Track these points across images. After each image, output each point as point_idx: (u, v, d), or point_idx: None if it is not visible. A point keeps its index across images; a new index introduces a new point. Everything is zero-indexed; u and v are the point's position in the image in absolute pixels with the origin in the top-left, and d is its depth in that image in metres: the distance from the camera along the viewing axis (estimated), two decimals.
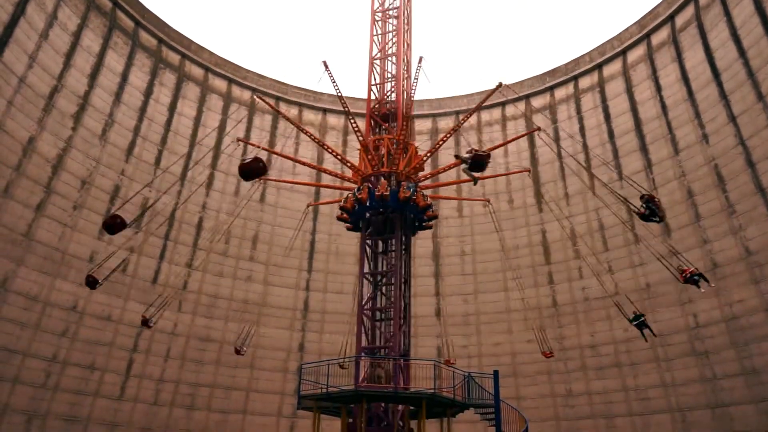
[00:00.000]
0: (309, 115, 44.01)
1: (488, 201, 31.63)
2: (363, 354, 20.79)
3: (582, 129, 39.15)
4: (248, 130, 41.38)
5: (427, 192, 27.67)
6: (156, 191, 35.98)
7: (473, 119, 43.40)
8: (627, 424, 31.57)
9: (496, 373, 19.65)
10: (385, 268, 22.62)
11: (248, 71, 43.00)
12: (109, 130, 34.24)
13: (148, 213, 34.71)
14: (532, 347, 35.91)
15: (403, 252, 22.82)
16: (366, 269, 22.70)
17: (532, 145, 40.77)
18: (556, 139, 39.73)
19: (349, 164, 24.46)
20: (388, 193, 21.62)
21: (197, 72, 40.46)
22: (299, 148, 42.57)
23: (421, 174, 25.07)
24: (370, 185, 22.40)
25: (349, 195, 22.92)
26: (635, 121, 36.37)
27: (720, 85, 31.63)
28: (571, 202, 37.80)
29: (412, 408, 19.72)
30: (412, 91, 26.31)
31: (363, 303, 22.06)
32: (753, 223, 28.83)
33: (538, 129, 27.35)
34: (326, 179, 40.36)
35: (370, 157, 23.49)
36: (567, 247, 37.04)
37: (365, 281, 22.65)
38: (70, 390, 29.72)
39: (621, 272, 34.23)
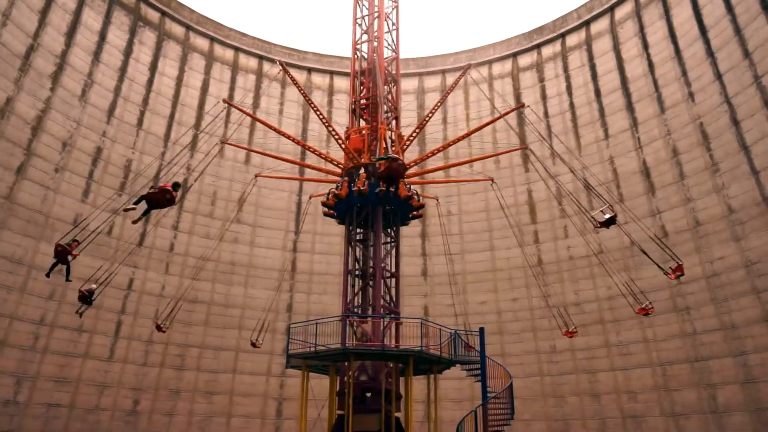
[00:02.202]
0: (293, 75, 43.21)
1: (492, 180, 30.31)
2: (350, 314, 21.02)
3: (569, 87, 38.96)
4: (231, 89, 40.72)
5: (417, 178, 27.41)
6: (139, 153, 35.60)
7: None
8: (609, 379, 32.40)
9: (481, 330, 19.95)
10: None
11: (230, 29, 42.05)
12: (88, 90, 33.52)
13: (132, 176, 34.46)
14: (518, 305, 36.56)
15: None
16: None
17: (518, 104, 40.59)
18: (543, 97, 39.63)
19: (330, 159, 24.06)
20: (365, 187, 21.15)
21: (178, 30, 39.49)
22: (284, 108, 42.07)
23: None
24: (350, 179, 22.05)
25: (332, 190, 22.66)
26: (622, 80, 36.23)
27: (707, 42, 31.46)
28: (557, 161, 37.81)
29: (399, 365, 20.05)
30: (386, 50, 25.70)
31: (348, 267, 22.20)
32: (736, 181, 29.11)
33: (523, 106, 26.82)
34: (312, 141, 40.21)
35: (345, 149, 23.01)
36: (552, 207, 37.26)
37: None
38: (59, 352, 29.84)
39: (605, 231, 34.45)
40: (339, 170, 23.98)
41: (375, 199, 21.73)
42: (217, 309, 36.08)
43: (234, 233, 38.16)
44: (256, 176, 30.51)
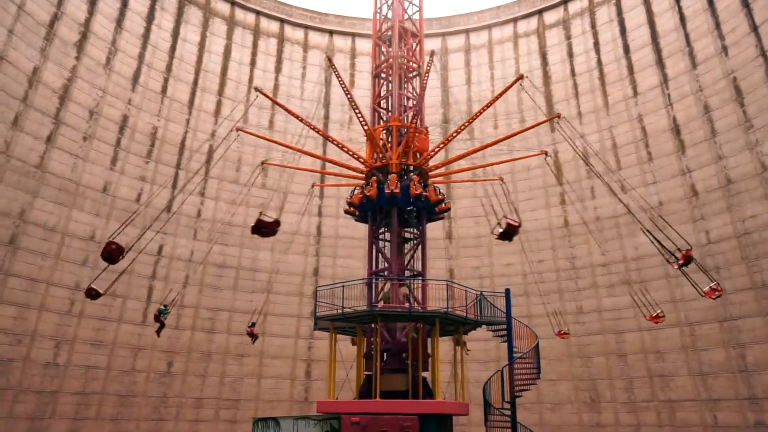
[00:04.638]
0: (315, 38, 42.91)
1: (546, 153, 28.55)
2: (375, 276, 21.17)
3: (596, 44, 37.94)
4: (253, 54, 40.56)
5: (442, 169, 26.91)
6: (164, 120, 35.86)
7: (484, 38, 42.16)
8: (636, 339, 32.32)
9: (507, 291, 19.98)
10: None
11: None
12: (113, 58, 33.70)
13: (158, 143, 34.85)
14: (543, 267, 36.44)
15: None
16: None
17: (544, 63, 39.73)
18: (570, 54, 38.72)
19: (355, 156, 22.95)
20: (398, 190, 20.47)
21: None
22: (306, 72, 41.80)
23: (432, 164, 23.76)
24: (379, 180, 21.27)
25: (356, 190, 21.82)
26: (652, 34, 35.12)
27: None
28: (584, 120, 37.13)
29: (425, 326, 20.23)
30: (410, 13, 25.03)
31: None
32: None
33: (521, 77, 24.66)
34: (334, 108, 40.04)
35: (375, 146, 22.18)
36: (579, 167, 36.71)
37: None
38: (95, 316, 30.76)
39: (634, 191, 34.02)
40: (362, 167, 23.38)
41: (407, 202, 21.11)
42: (245, 273, 36.68)
43: (260, 198, 38.49)
44: (312, 185, 30.53)
